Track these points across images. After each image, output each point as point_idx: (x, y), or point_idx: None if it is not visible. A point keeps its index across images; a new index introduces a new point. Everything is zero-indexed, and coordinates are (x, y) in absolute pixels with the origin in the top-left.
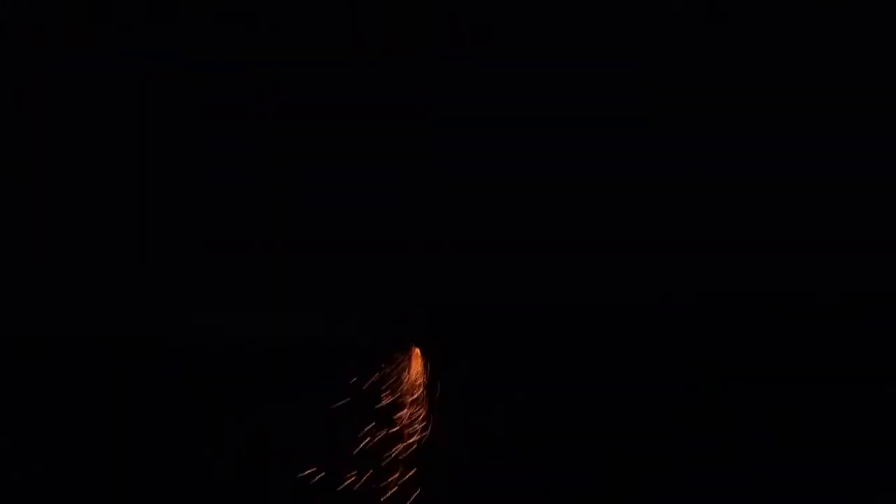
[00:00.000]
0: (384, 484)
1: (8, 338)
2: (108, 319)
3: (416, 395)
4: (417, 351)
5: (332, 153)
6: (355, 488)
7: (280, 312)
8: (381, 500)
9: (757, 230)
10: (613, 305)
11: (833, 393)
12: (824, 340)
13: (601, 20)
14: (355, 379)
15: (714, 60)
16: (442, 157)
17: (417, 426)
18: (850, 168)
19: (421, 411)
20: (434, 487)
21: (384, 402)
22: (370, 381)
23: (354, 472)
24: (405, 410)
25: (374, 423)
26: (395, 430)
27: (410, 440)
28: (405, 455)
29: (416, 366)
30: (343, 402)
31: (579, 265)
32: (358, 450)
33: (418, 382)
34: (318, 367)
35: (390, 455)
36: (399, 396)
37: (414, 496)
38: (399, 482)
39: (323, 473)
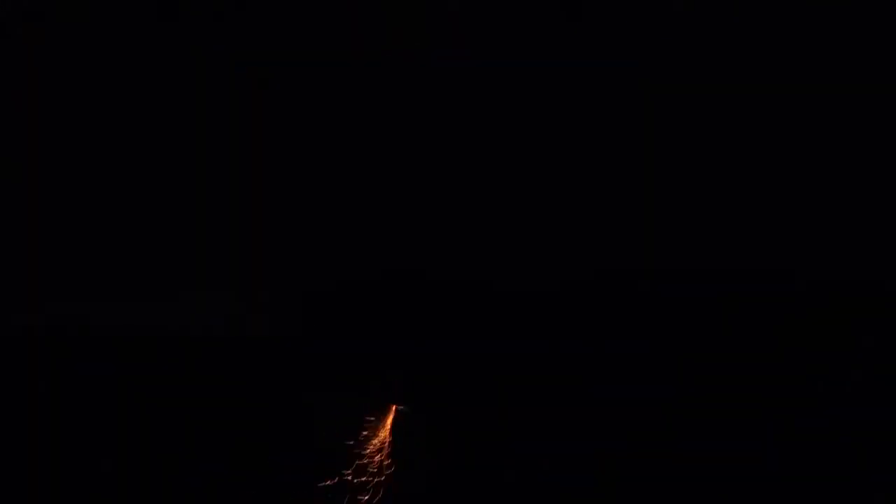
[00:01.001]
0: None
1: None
2: (106, 316)
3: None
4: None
5: (332, 153)
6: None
7: (268, 312)
8: None
9: (757, 230)
10: (613, 305)
11: (833, 393)
12: (825, 340)
13: (601, 20)
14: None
15: (714, 60)
16: (441, 156)
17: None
18: (851, 168)
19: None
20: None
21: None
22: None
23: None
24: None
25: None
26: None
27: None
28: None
29: (387, 423)
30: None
31: (579, 265)
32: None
33: (386, 436)
34: (302, 375)
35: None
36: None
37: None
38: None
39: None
